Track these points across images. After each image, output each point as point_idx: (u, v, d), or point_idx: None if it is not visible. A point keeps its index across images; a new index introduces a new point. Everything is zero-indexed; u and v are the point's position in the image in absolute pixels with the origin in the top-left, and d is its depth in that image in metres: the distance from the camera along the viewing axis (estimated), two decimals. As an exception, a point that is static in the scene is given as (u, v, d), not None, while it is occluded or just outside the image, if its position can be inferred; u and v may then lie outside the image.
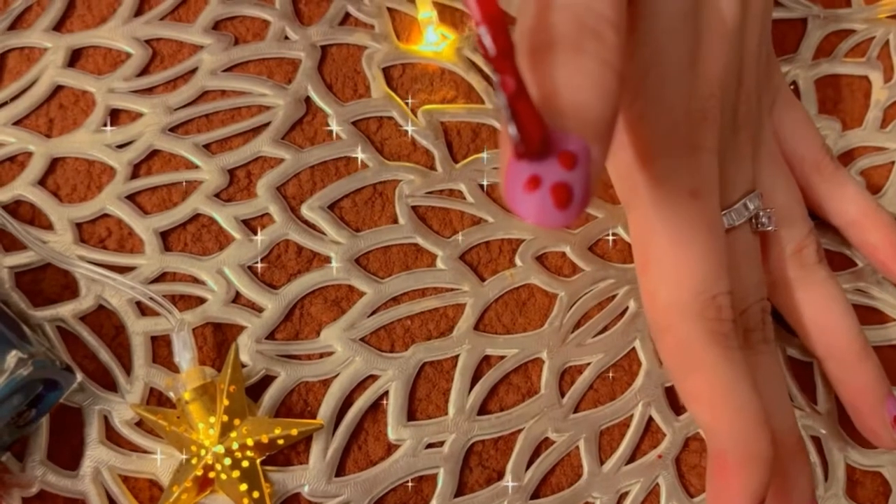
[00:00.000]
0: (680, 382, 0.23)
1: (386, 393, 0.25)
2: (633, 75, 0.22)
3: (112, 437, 0.24)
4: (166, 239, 0.26)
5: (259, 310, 0.25)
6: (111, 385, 0.24)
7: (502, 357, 0.26)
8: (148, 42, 0.28)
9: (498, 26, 0.15)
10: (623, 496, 0.25)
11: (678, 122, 0.22)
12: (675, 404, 0.26)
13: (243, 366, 0.25)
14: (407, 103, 0.28)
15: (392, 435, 0.25)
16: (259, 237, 0.26)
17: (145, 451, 0.24)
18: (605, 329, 0.26)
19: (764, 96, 0.26)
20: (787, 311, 0.26)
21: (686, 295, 0.22)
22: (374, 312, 0.26)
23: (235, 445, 0.23)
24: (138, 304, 0.25)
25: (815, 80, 0.30)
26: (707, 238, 0.22)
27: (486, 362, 0.26)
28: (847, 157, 0.29)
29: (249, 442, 0.23)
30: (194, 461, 0.23)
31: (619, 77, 0.17)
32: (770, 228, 0.25)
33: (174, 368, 0.24)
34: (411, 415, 0.25)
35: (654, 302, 0.23)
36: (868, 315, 0.28)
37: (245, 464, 0.23)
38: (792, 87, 0.30)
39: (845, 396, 0.25)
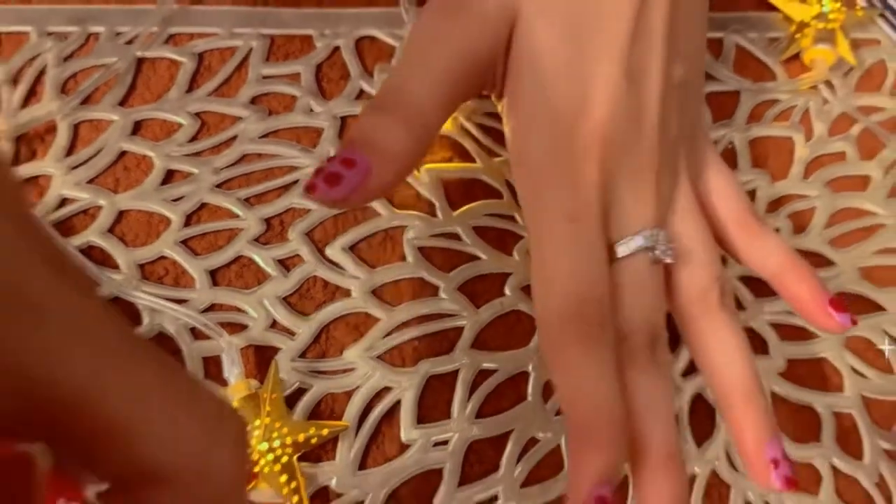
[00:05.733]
0: (550, 373, 0.26)
1: (399, 401, 0.29)
2: (519, 123, 0.27)
3: (171, 441, 0.29)
4: (214, 276, 0.31)
5: (292, 334, 0.30)
6: (170, 397, 0.29)
7: (495, 370, 0.30)
8: (197, 114, 0.33)
9: None
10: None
11: (561, 158, 0.26)
12: (640, 409, 0.31)
13: (281, 379, 0.29)
14: (412, 163, 0.33)
15: (405, 436, 0.29)
16: (292, 274, 0.31)
17: (199, 452, 0.28)
18: (579, 347, 0.31)
19: (683, 150, 0.28)
20: (690, 348, 0.28)
21: (557, 299, 0.25)
22: (388, 335, 0.30)
23: (277, 444, 0.28)
24: (192, 330, 0.30)
25: (748, 141, 0.35)
26: (580, 254, 0.25)
27: (481, 374, 0.30)
28: (777, 204, 0.34)
29: (288, 441, 0.28)
30: (242, 458, 0.28)
31: (415, 136, 0.24)
32: (668, 261, 0.27)
33: (223, 382, 0.29)
34: (420, 419, 0.29)
35: (535, 303, 0.26)
36: (797, 333, 0.33)
37: (284, 459, 0.28)
38: (730, 146, 0.35)
39: (732, 437, 0.27)
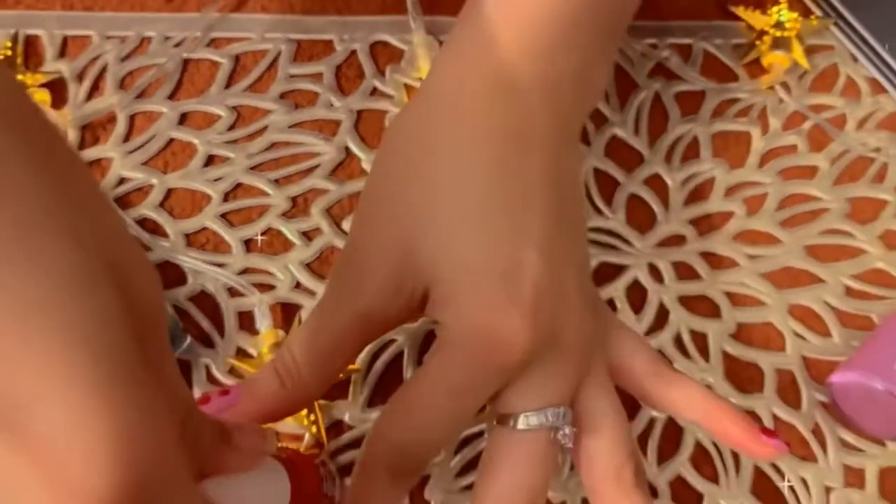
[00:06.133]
0: None
1: (402, 351, 0.35)
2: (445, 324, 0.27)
3: (212, 381, 0.33)
4: (248, 244, 0.36)
5: (313, 293, 0.35)
6: (211, 345, 0.34)
7: (484, 327, 0.36)
8: (234, 107, 0.39)
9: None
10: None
11: (475, 340, 0.26)
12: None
13: (303, 331, 0.35)
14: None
15: (406, 379, 0.35)
16: (313, 244, 0.36)
17: (235, 390, 0.34)
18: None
19: (596, 342, 0.29)
20: None
21: (393, 445, 0.26)
22: (393, 296, 0.36)
23: (299, 383, 0.33)
24: (229, 289, 0.35)
25: (711, 135, 0.40)
26: (444, 428, 0.26)
27: (472, 331, 0.36)
28: (734, 190, 0.39)
29: (309, 381, 0.33)
30: (270, 395, 0.33)
31: (288, 396, 0.28)
32: (567, 445, 0.27)
33: (255, 332, 0.34)
34: (419, 365, 0.35)
35: (375, 428, 0.27)
36: (747, 300, 0.37)
37: (305, 396, 0.33)
38: (692, 140, 0.40)
39: None
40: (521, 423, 0.26)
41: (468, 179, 0.27)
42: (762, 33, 0.42)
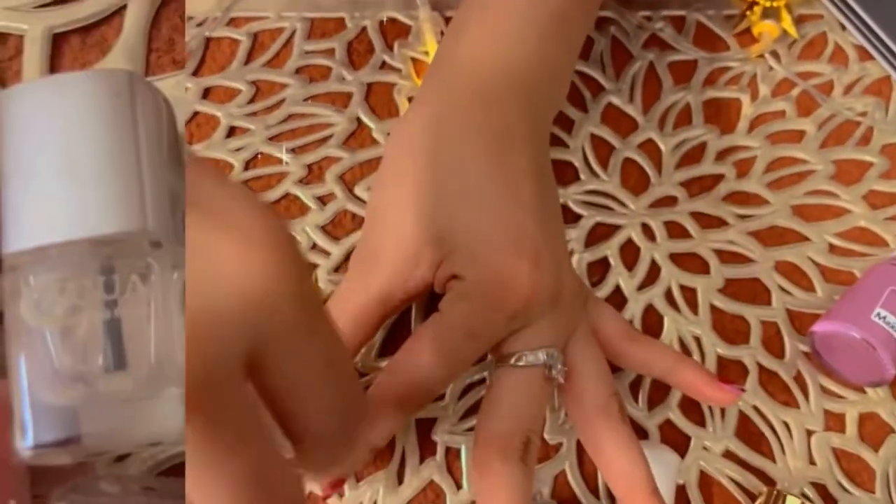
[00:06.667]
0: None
1: (411, 307, 0.38)
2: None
3: (236, 333, 0.37)
4: None
5: (328, 254, 0.38)
6: (235, 301, 0.38)
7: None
8: (253, 82, 0.42)
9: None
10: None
11: (488, 289, 0.30)
12: (603, 316, 0.38)
13: (320, 288, 0.38)
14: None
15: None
16: (327, 208, 0.39)
17: (257, 342, 0.37)
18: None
19: (580, 304, 0.33)
20: (592, 450, 0.32)
21: (403, 385, 0.30)
22: (402, 255, 0.39)
23: (316, 335, 0.36)
24: (251, 250, 0.38)
25: (703, 102, 0.42)
26: (450, 368, 0.30)
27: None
28: (724, 154, 0.42)
29: (325, 332, 0.36)
30: (290, 345, 0.36)
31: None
32: (560, 380, 0.30)
33: None
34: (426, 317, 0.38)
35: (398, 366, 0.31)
36: (735, 258, 0.40)
37: (322, 347, 0.36)
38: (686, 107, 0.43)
39: None
40: (521, 361, 0.30)
41: (470, 165, 0.31)
42: (753, 4, 0.43)
